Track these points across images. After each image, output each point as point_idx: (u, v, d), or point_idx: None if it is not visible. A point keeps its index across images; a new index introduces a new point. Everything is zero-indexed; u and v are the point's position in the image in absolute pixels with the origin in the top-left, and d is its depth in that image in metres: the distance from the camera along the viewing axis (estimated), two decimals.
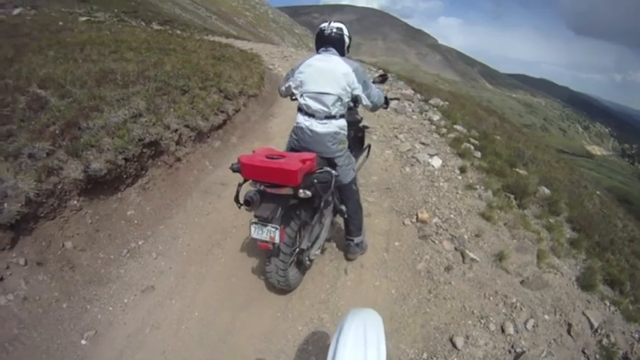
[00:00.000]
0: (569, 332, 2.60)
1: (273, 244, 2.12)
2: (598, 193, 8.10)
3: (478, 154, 5.10)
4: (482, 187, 4.16)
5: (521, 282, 2.93)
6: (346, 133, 2.49)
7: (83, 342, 2.16)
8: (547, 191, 4.42)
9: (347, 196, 2.63)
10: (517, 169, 4.92)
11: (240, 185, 2.24)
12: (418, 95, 8.35)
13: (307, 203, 2.27)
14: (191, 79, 5.01)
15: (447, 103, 8.03)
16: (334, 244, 3.08)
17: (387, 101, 2.82)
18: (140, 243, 2.95)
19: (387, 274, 2.89)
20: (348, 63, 2.31)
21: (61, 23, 8.45)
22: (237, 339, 2.29)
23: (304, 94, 2.37)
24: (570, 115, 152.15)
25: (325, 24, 2.45)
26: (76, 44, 5.79)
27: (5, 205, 2.29)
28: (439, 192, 4.04)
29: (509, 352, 2.39)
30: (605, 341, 2.59)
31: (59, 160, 2.75)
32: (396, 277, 2.87)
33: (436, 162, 4.67)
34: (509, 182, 4.27)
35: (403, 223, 3.50)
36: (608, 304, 2.89)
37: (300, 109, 2.44)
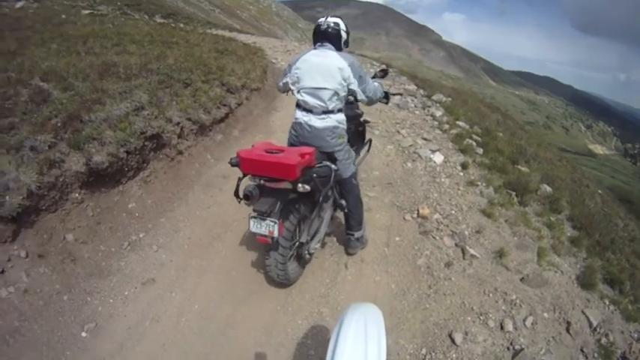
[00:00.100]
0: (568, 330, 2.60)
1: (272, 238, 2.12)
2: (600, 192, 8.07)
3: (480, 150, 5.08)
4: (484, 184, 4.15)
5: (521, 279, 2.93)
6: (345, 127, 2.50)
7: (83, 334, 2.18)
8: (549, 189, 4.40)
9: (347, 190, 2.64)
10: (519, 167, 4.91)
11: (240, 180, 2.24)
12: (421, 91, 8.32)
13: (306, 197, 2.27)
14: (194, 72, 4.99)
15: (449, 99, 7.99)
16: (335, 239, 3.08)
17: (387, 96, 2.84)
18: (141, 236, 2.96)
19: (387, 269, 2.90)
20: (344, 58, 2.31)
21: (63, 16, 8.45)
22: (237, 332, 2.30)
23: (301, 90, 2.38)
24: (573, 114, 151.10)
25: (322, 19, 2.46)
26: (79, 37, 5.79)
27: (7, 197, 2.30)
28: (440, 188, 4.03)
29: (508, 349, 2.39)
30: (603, 340, 2.59)
31: (61, 152, 2.76)
32: (396, 273, 2.88)
33: (438, 158, 4.66)
34: (510, 179, 4.26)
35: (404, 219, 3.50)
36: (607, 303, 2.89)
37: (298, 105, 2.46)
